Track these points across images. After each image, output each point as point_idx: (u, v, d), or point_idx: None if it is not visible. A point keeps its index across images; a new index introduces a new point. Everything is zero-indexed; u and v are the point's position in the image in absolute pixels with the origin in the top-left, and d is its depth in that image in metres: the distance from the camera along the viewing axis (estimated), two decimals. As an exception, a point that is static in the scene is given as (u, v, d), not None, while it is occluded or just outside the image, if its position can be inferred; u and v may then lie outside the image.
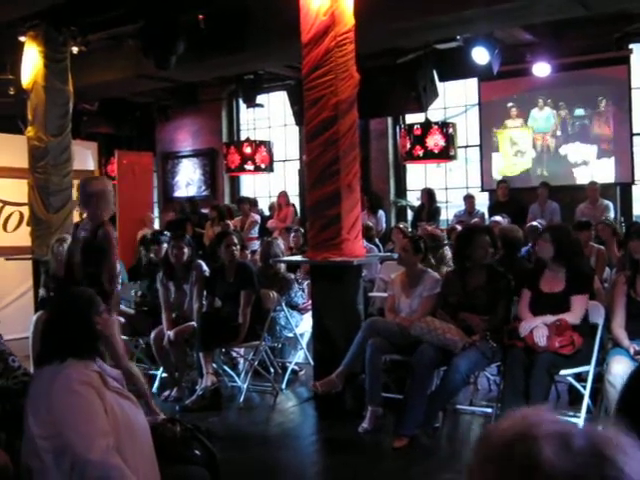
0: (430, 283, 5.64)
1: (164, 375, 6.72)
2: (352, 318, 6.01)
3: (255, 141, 13.11)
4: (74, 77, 8.81)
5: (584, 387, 4.93)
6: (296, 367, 7.14)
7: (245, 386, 6.37)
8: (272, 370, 6.78)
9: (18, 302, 8.78)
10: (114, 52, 10.40)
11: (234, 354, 7.06)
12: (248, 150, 12.91)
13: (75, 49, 8.84)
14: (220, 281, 6.59)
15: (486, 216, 10.69)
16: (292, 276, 7.31)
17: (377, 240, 9.27)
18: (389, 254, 7.64)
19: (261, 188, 14.67)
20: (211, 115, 14.62)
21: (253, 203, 12.66)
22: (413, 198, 12.63)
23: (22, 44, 8.61)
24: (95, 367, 2.90)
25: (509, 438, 0.97)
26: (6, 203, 9.32)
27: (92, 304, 3.08)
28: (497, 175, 11.67)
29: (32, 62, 8.51)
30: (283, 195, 12.03)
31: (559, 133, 11.26)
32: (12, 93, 9.97)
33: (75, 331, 2.95)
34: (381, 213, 11.55)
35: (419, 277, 5.69)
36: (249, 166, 12.94)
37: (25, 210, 9.09)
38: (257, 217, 11.69)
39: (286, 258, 7.38)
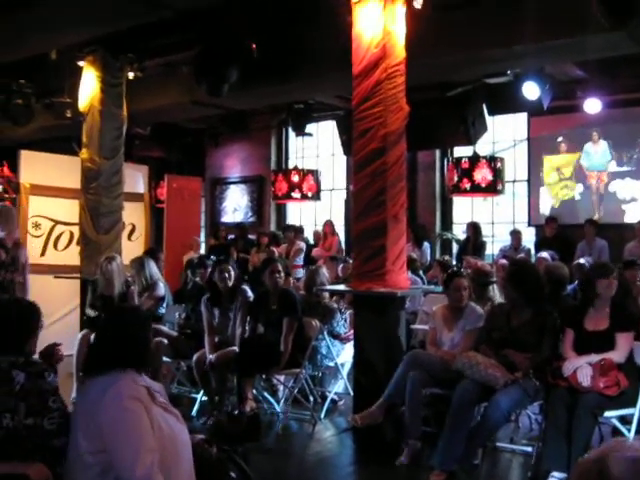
0: (473, 317, 5.60)
1: (204, 398, 6.75)
2: (394, 350, 5.98)
3: (303, 169, 13.22)
4: (129, 102, 9.00)
5: (629, 430, 4.83)
6: (336, 397, 7.11)
7: (284, 413, 6.37)
8: (311, 399, 6.76)
9: (65, 320, 8.91)
10: (168, 78, 10.60)
11: (274, 381, 7.06)
12: (296, 178, 13.02)
13: (131, 74, 9.03)
14: (264, 307, 6.62)
15: (532, 252, 10.58)
16: (335, 305, 7.32)
17: (421, 272, 9.23)
18: (433, 287, 7.61)
19: (307, 216, 14.75)
20: (260, 143, 14.79)
21: (299, 231, 12.73)
22: (459, 231, 12.57)
23: (80, 69, 8.83)
24: (143, 381, 2.95)
25: (591, 459, 1.40)
26: (58, 222, 9.50)
27: (148, 320, 3.14)
28: (545, 211, 11.57)
29: (89, 86, 8.72)
30: (329, 224, 12.08)
31: (610, 169, 11.14)
32: (69, 116, 10.22)
33: (131, 345, 3.01)
34: (426, 245, 11.51)
35: (462, 310, 5.65)
36: (296, 194, 13.04)
37: (76, 230, 9.25)
38: (302, 245, 11.74)
39: (330, 287, 7.39)
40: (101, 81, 8.67)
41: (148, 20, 7.20)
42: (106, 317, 3.48)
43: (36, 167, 9.45)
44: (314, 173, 13.26)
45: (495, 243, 12.05)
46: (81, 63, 8.81)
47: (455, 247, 12.26)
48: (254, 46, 8.54)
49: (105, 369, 2.92)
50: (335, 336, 7.03)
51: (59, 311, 9.14)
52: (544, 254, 9.00)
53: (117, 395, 2.83)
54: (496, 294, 6.43)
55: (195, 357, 6.61)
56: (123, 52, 8.83)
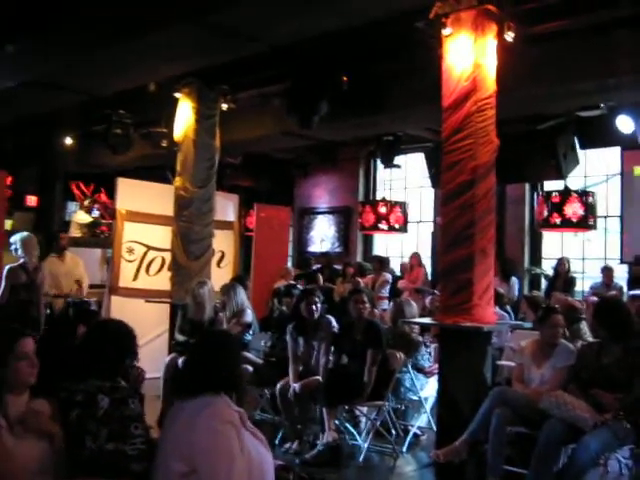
0: (565, 354, 5.46)
1: (286, 427, 6.78)
2: (479, 385, 5.89)
3: (390, 201, 13.23)
4: (222, 132, 9.23)
5: None
6: (418, 431, 7.03)
7: (366, 445, 6.33)
8: (394, 432, 6.70)
9: (153, 343, 9.10)
10: (260, 110, 10.85)
11: (357, 412, 7.04)
12: (383, 210, 13.04)
13: (225, 106, 9.27)
14: (348, 338, 6.63)
15: (625, 289, 10.26)
16: (420, 338, 7.27)
17: (509, 307, 9.06)
18: (520, 322, 7.47)
19: (393, 248, 14.72)
20: (348, 174, 14.89)
21: (385, 262, 12.70)
22: (548, 267, 12.30)
23: (177, 100, 9.11)
24: (235, 406, 3.01)
25: None
26: (150, 248, 9.75)
27: (239, 346, 3.21)
28: (638, 247, 11.21)
29: (185, 117, 8.99)
30: (415, 256, 12.02)
31: None
32: (164, 145, 10.57)
33: (224, 369, 3.07)
34: (514, 280, 11.30)
35: (554, 347, 5.52)
36: (383, 225, 13.05)
37: (167, 256, 9.46)
38: (388, 276, 11.71)
39: (416, 320, 7.34)
40: (196, 112, 8.93)
41: (242, 54, 7.39)
42: (199, 340, 3.56)
43: (132, 194, 9.73)
44: (402, 205, 13.25)
45: (585, 280, 11.73)
46: (177, 95, 9.09)
47: (544, 283, 12.00)
48: (344, 79, 8.66)
49: (198, 392, 2.99)
50: (419, 369, 6.98)
51: (148, 334, 9.34)
52: (637, 292, 8.72)
53: (211, 417, 2.89)
54: (586, 332, 6.26)
55: (279, 385, 6.65)
56: (218, 84, 9.09)
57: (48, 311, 8.49)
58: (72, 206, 14.73)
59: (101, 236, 12.33)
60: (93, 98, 9.32)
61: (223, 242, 10.29)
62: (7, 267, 7.73)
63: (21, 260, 7.86)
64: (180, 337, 7.67)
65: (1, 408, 3.10)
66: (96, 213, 13.56)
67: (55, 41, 7.79)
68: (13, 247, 7.82)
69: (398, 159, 12.32)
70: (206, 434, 2.86)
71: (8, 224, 11.04)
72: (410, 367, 6.74)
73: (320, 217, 15.34)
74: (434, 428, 6.50)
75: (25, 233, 7.90)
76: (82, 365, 3.50)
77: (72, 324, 4.01)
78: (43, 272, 8.14)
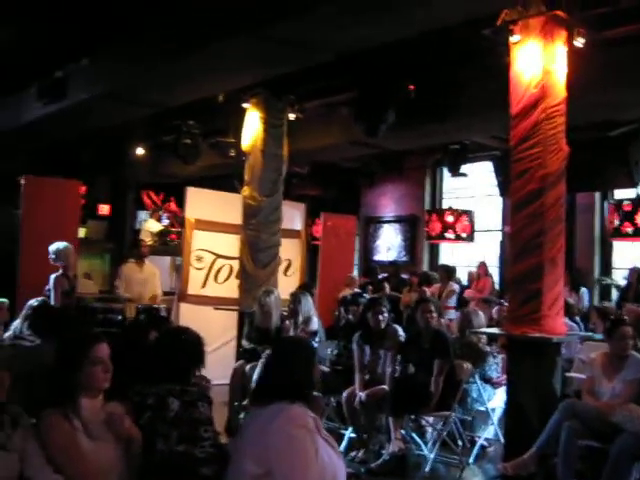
0: (635, 367, 5.33)
1: (352, 435, 6.79)
2: (548, 397, 5.79)
3: (457, 210, 13.13)
4: (289, 142, 9.31)
5: None
6: (485, 442, 6.94)
7: (432, 456, 6.28)
8: (460, 443, 6.64)
9: (221, 350, 9.20)
10: (327, 119, 10.92)
11: (423, 422, 7.00)
12: (450, 219, 12.96)
13: (292, 116, 9.36)
14: (415, 347, 6.59)
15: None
16: (488, 348, 7.19)
17: (578, 318, 8.89)
18: (590, 334, 7.33)
19: (460, 257, 14.59)
20: (415, 182, 14.84)
21: (451, 271, 12.60)
22: (619, 277, 12.01)
23: (244, 110, 9.23)
24: (311, 413, 3.04)
25: None
26: (219, 256, 9.87)
27: (314, 355, 3.24)
28: None
29: (253, 127, 9.09)
30: (482, 265, 11.90)
31: None
32: (232, 155, 10.72)
33: (300, 375, 3.12)
34: (584, 290, 11.08)
35: (625, 360, 5.40)
36: (450, 234, 12.97)
37: (235, 264, 9.57)
38: (456, 286, 11.60)
39: (483, 330, 7.27)
40: (264, 122, 9.03)
41: (309, 64, 7.46)
42: (275, 347, 3.61)
43: (201, 203, 9.88)
44: (468, 214, 13.14)
45: (659, 290, 11.40)
46: (245, 105, 9.20)
47: (615, 293, 11.72)
48: (411, 87, 8.65)
49: (273, 398, 3.04)
50: (487, 380, 6.91)
51: (216, 341, 9.46)
52: None
53: (287, 422, 2.94)
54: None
55: (345, 394, 6.67)
56: (285, 94, 9.18)
57: (120, 317, 8.72)
58: (142, 215, 15.07)
59: (170, 244, 12.56)
60: (163, 109, 9.52)
61: (290, 250, 10.35)
62: (53, 275, 7.93)
63: (61, 269, 8.02)
64: (247, 344, 7.75)
65: (76, 411, 3.19)
66: (166, 221, 13.84)
67: (128, 55, 8.02)
68: (52, 256, 8.01)
69: (464, 167, 12.24)
70: (281, 437, 2.90)
71: (82, 232, 11.35)
72: (477, 378, 6.67)
73: (386, 226, 15.32)
74: (502, 440, 6.42)
75: (63, 243, 8.10)
76: (154, 369, 3.59)
77: (144, 330, 4.10)
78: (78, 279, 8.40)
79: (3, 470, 2.96)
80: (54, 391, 3.28)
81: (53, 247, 8.08)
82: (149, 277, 9.80)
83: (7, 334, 5.97)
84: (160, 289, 10.08)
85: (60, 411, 3.16)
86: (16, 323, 6.08)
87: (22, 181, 9.98)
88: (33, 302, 6.01)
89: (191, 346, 3.65)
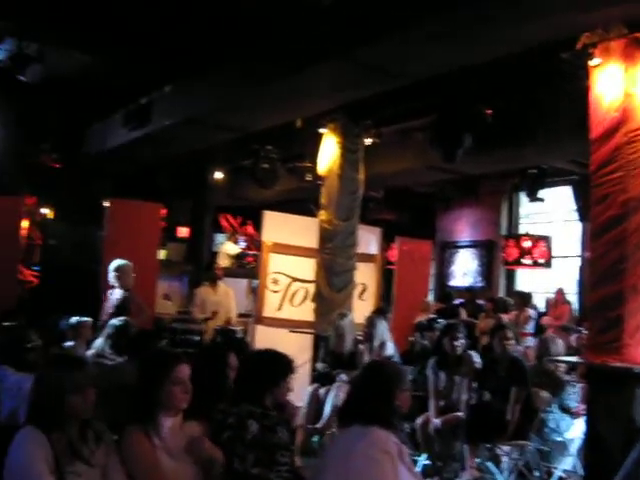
0: None
1: (426, 462, 6.72)
2: (629, 430, 5.62)
3: (534, 235, 12.93)
4: (365, 166, 9.37)
5: None
6: (563, 474, 6.75)
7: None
8: (537, 474, 6.49)
9: (296, 373, 9.23)
10: (403, 144, 10.95)
11: (499, 451, 6.88)
12: (527, 244, 12.78)
13: (369, 141, 9.42)
14: (491, 374, 6.51)
15: None
16: (566, 377, 7.04)
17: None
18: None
19: (537, 283, 14.32)
20: (491, 207, 14.70)
21: (527, 298, 12.39)
22: None
23: (322, 135, 9.34)
24: (395, 439, 3.06)
25: None
26: (295, 279, 9.93)
27: (399, 380, 3.25)
28: None
29: (330, 152, 9.16)
30: (560, 292, 11.68)
31: None
32: (309, 179, 10.84)
33: (378, 400, 3.14)
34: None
35: None
36: (527, 260, 12.78)
37: (311, 287, 9.62)
38: (532, 312, 11.40)
39: (562, 358, 7.13)
40: (341, 147, 9.10)
41: (386, 89, 7.51)
42: (362, 371, 3.65)
43: (277, 226, 9.96)
44: (546, 239, 12.92)
45: None
46: (323, 130, 9.31)
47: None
48: (489, 111, 8.61)
49: (360, 421, 3.07)
50: (565, 409, 6.76)
51: (291, 364, 9.51)
52: None
53: (369, 446, 2.96)
54: None
55: (420, 420, 6.62)
56: (362, 119, 9.25)
57: (198, 338, 8.88)
58: (220, 237, 15.33)
59: (247, 267, 12.74)
60: (242, 134, 9.71)
61: (365, 275, 10.35)
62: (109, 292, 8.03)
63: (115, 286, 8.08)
64: (321, 368, 7.78)
65: (156, 428, 3.28)
66: (243, 244, 14.05)
67: (210, 82, 8.24)
68: (111, 275, 8.04)
69: (542, 192, 12.06)
70: (362, 461, 2.92)
71: (162, 254, 11.62)
72: (555, 407, 6.53)
73: (462, 251, 15.19)
74: (579, 472, 6.26)
75: (122, 261, 8.20)
76: (236, 390, 3.66)
77: (223, 351, 4.18)
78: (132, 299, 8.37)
79: (86, 484, 3.06)
80: (135, 409, 3.38)
81: (112, 264, 8.15)
82: (223, 299, 9.95)
83: (90, 352, 6.17)
84: (234, 311, 10.22)
85: (141, 428, 3.25)
86: (98, 342, 6.28)
87: (106, 203, 10.31)
88: (115, 321, 6.20)
89: (275, 368, 3.70)
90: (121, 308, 7.81)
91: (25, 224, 12.06)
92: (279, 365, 3.73)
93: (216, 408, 3.55)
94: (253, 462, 3.37)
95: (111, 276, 8.04)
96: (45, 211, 14.43)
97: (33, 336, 4.84)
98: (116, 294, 8.05)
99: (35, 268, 12.88)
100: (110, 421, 3.39)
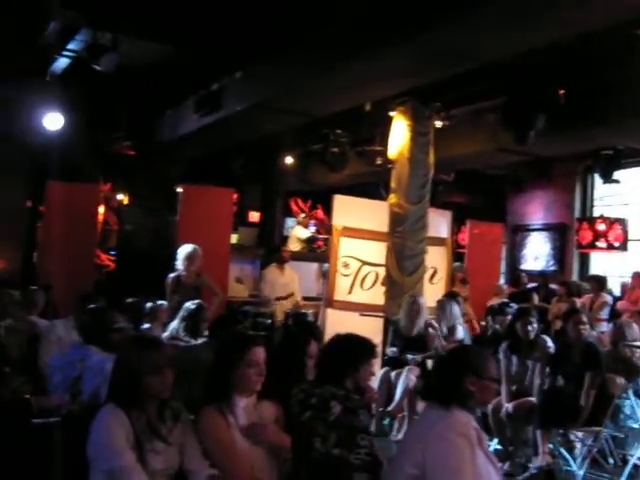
0: None
1: (498, 447, 6.69)
2: None
3: (609, 218, 12.63)
4: (435, 149, 9.30)
5: None
6: (638, 461, 6.63)
7: (581, 473, 6.08)
8: (611, 460, 6.38)
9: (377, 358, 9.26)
10: (474, 126, 10.82)
11: (572, 437, 6.79)
12: (601, 227, 12.49)
13: (439, 123, 9.34)
14: (565, 359, 6.42)
15: None
16: (642, 363, 6.90)
17: None
18: None
19: (612, 267, 14.00)
20: (564, 189, 14.39)
21: (602, 282, 12.13)
22: None
23: (391, 118, 9.29)
24: (474, 423, 3.07)
25: None
26: (365, 263, 9.93)
27: (475, 363, 3.26)
28: None
29: (399, 135, 9.12)
30: (636, 276, 11.38)
31: None
32: (379, 163, 10.81)
33: (463, 383, 3.16)
34: None
35: None
36: (601, 243, 12.50)
37: (381, 271, 9.62)
38: (608, 297, 11.16)
39: (638, 343, 6.98)
40: (411, 130, 9.04)
41: (456, 71, 7.44)
42: (452, 352, 3.68)
43: (347, 210, 9.97)
44: (621, 222, 12.61)
45: None
46: (392, 113, 9.26)
47: None
48: (561, 92, 8.45)
49: (437, 403, 3.10)
50: (641, 396, 6.64)
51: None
52: None
53: (447, 428, 2.98)
54: None
55: (491, 405, 6.57)
56: (432, 102, 9.17)
57: (269, 320, 9.00)
58: (291, 222, 15.46)
59: (318, 251, 12.82)
60: (312, 119, 9.75)
61: (435, 258, 10.30)
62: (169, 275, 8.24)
63: (179, 270, 8.28)
64: (392, 352, 7.81)
65: (230, 408, 3.36)
66: (313, 228, 14.13)
67: (280, 66, 8.29)
68: (180, 260, 8.23)
69: (617, 173, 11.76)
70: (439, 443, 2.94)
71: (234, 238, 11.79)
72: (631, 393, 6.41)
73: (534, 234, 14.93)
74: (656, 459, 6.13)
75: (189, 246, 8.33)
76: (318, 372, 3.73)
77: (304, 339, 4.25)
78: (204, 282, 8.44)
79: (165, 462, 3.15)
80: (211, 389, 3.47)
81: (180, 249, 8.34)
82: (290, 282, 10.04)
83: (165, 334, 6.34)
84: (300, 294, 10.31)
85: (216, 408, 3.34)
86: (173, 324, 6.45)
87: (179, 189, 10.51)
88: (189, 304, 6.35)
89: (357, 351, 3.74)
90: (194, 290, 8.00)
91: (101, 210, 12.42)
92: (361, 349, 3.77)
93: (296, 388, 3.62)
94: (334, 443, 3.42)
95: (182, 260, 8.21)
96: (120, 197, 14.83)
97: (118, 318, 5.00)
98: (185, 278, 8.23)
99: (111, 252, 13.26)
100: (185, 401, 3.49)
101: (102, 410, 3.15)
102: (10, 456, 3.48)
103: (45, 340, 5.82)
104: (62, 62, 9.43)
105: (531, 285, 12.81)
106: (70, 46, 8.91)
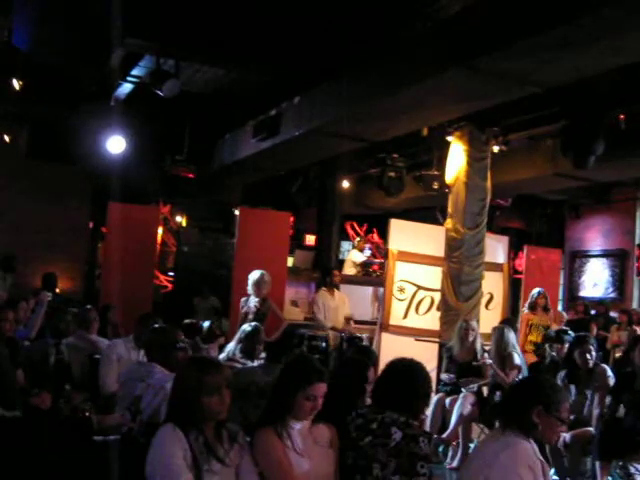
0: None
1: (555, 478, 6.56)
2: None
3: (671, 244, 12.38)
4: (492, 174, 9.24)
5: None
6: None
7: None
8: (673, 494, 6.21)
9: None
10: (532, 151, 10.74)
11: (632, 469, 6.63)
12: (663, 254, 12.23)
13: (496, 148, 9.30)
14: (627, 388, 6.29)
15: None
16: None
17: None
18: None
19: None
20: (624, 215, 14.16)
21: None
22: None
23: (448, 143, 9.27)
24: (540, 455, 3.06)
25: None
26: (420, 288, 9.90)
27: (547, 396, 3.23)
28: None
29: (456, 160, 9.09)
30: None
31: None
32: (436, 187, 10.81)
33: (529, 412, 3.14)
34: None
35: None
36: (663, 270, 12.23)
37: (436, 296, 9.58)
38: (671, 326, 10.92)
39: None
40: (468, 155, 9.01)
41: (514, 97, 7.40)
42: (525, 380, 3.68)
43: (403, 235, 9.95)
44: (684, 248, 12.34)
45: None
46: (449, 138, 9.26)
47: None
48: (622, 116, 8.35)
49: (506, 428, 3.09)
50: None
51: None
52: None
53: (512, 458, 2.96)
54: None
55: (549, 433, 6.47)
56: (489, 126, 9.14)
57: (324, 344, 9.02)
58: (346, 245, 15.48)
59: (373, 275, 12.80)
60: (369, 144, 9.80)
61: (492, 284, 10.20)
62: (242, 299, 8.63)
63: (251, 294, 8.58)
64: (446, 377, 7.75)
65: (286, 430, 3.39)
66: (368, 252, 14.13)
67: (338, 92, 8.37)
68: (250, 284, 8.55)
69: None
70: (502, 472, 2.92)
71: (290, 261, 11.86)
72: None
73: (593, 260, 14.69)
74: None
75: (260, 272, 8.53)
76: (378, 397, 3.73)
77: (364, 366, 4.28)
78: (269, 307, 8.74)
79: (222, 484, 3.19)
80: (268, 411, 3.50)
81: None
82: (339, 305, 10.05)
83: (222, 356, 6.40)
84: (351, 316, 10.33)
85: (273, 430, 3.37)
86: (230, 346, 6.51)
87: (237, 212, 10.64)
88: (246, 327, 6.41)
89: (418, 378, 3.74)
90: (260, 315, 8.19)
91: (160, 231, 12.64)
92: (424, 378, 3.76)
93: (353, 412, 3.63)
94: (394, 470, 3.41)
95: (250, 285, 8.40)
96: (179, 219, 15.08)
97: (181, 337, 5.09)
98: (252, 301, 8.42)
99: (170, 273, 13.46)
100: (239, 422, 3.52)
101: (161, 429, 3.20)
102: (70, 473, 3.55)
103: (106, 359, 5.93)
104: (126, 87, 9.68)
105: (592, 312, 12.60)
106: (134, 72, 9.15)
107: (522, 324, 9.76)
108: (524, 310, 10.01)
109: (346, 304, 10.11)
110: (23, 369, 5.68)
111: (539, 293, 9.96)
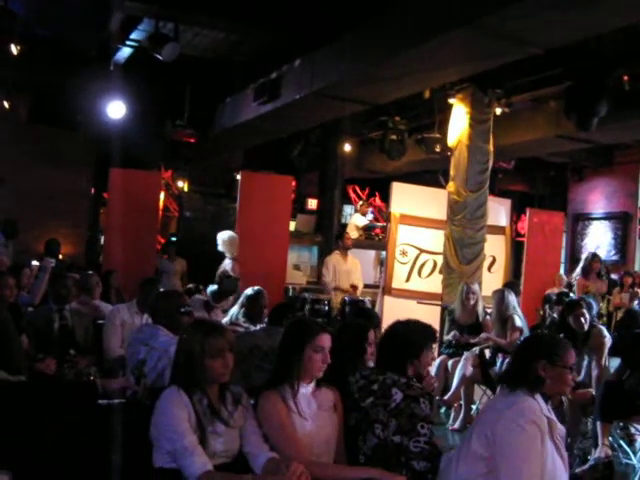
0: None
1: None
2: None
3: (674, 206, 12.35)
4: (495, 137, 9.20)
5: None
6: (703, 455, 6.50)
7: (641, 466, 6.00)
8: (674, 455, 6.27)
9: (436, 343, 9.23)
10: (535, 113, 10.67)
11: (632, 430, 6.68)
12: (666, 215, 12.21)
13: (498, 110, 9.24)
14: (630, 350, 6.30)
15: None
16: None
17: None
18: None
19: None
20: (627, 177, 14.10)
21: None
22: None
23: (450, 105, 9.22)
24: (547, 411, 3.09)
25: None
26: (422, 251, 9.91)
27: (548, 348, 3.26)
28: None
29: (459, 122, 9.05)
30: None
31: None
32: (438, 150, 10.75)
33: (533, 367, 3.17)
34: None
35: None
36: (666, 232, 12.22)
37: (439, 259, 9.59)
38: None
39: None
40: (470, 117, 8.96)
41: (517, 58, 7.34)
42: (526, 338, 3.70)
43: (405, 198, 9.93)
44: (688, 210, 12.32)
45: None
46: (451, 100, 9.20)
47: None
48: (626, 77, 8.27)
49: (512, 386, 3.12)
50: None
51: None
52: None
53: (519, 414, 3.00)
54: None
55: (549, 395, 6.51)
56: (492, 88, 9.07)
57: (326, 307, 9.04)
58: (349, 209, 15.47)
59: (375, 238, 12.81)
60: (371, 106, 9.73)
61: (494, 247, 10.20)
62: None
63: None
64: (452, 335, 7.79)
65: (292, 393, 3.40)
66: (371, 216, 14.12)
67: (338, 54, 8.29)
68: (220, 244, 8.80)
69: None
70: (509, 427, 2.96)
71: (292, 225, 11.86)
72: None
73: (595, 223, 14.68)
74: None
75: (228, 233, 8.64)
76: (380, 359, 3.76)
77: (365, 329, 4.29)
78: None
79: (226, 444, 3.21)
80: (274, 373, 3.52)
81: (219, 235, 8.88)
82: (352, 268, 10.05)
83: (225, 320, 6.44)
84: (361, 281, 10.31)
85: (277, 392, 3.39)
86: (233, 310, 6.54)
87: (238, 176, 10.61)
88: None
89: (417, 338, 3.75)
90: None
91: (162, 197, 12.62)
92: (422, 335, 3.77)
93: (356, 374, 3.65)
94: (394, 429, 3.44)
95: (220, 245, 8.61)
96: (181, 184, 15.06)
97: (187, 300, 5.10)
98: (226, 263, 8.76)
99: (172, 239, 13.47)
100: (242, 384, 3.54)
101: (165, 392, 3.22)
102: (74, 437, 3.57)
103: (109, 324, 5.96)
104: (125, 51, 9.60)
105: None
106: (133, 36, 9.07)
107: (578, 290, 9.68)
108: (576, 274, 9.87)
109: (358, 270, 10.09)
110: (27, 335, 5.70)
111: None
